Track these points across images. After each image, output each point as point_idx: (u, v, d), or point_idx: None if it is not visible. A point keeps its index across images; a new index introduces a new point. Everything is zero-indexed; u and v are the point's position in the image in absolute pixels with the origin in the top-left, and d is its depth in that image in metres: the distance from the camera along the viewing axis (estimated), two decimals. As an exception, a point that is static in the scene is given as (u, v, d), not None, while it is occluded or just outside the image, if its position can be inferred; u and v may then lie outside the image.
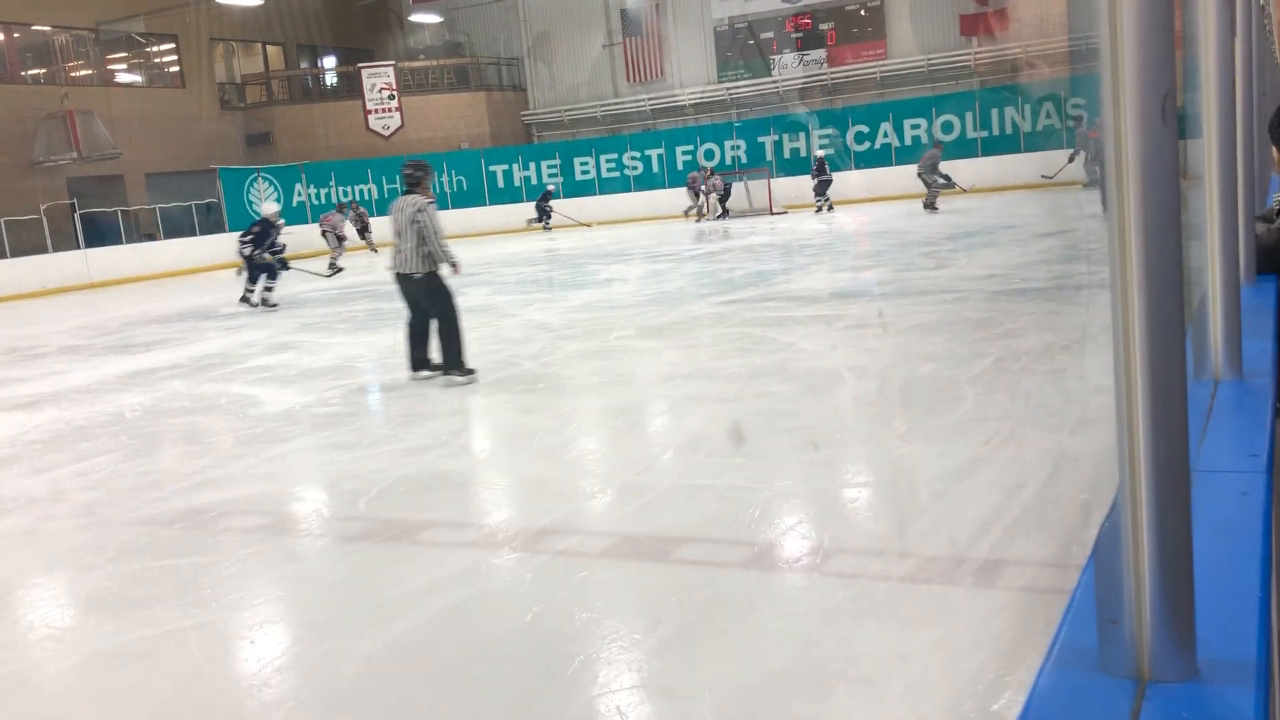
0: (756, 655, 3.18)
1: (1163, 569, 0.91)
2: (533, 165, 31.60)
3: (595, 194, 30.93)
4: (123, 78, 30.37)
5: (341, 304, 14.81)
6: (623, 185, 30.75)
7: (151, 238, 26.56)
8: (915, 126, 27.59)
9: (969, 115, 27.06)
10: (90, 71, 29.05)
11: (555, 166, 31.36)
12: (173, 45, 30.34)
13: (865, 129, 28.26)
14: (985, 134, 26.87)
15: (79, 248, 24.02)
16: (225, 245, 26.32)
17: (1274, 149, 3.24)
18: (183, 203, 27.24)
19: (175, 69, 30.66)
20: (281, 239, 14.92)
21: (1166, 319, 0.88)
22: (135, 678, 3.44)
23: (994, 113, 26.86)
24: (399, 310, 8.35)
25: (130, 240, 25.82)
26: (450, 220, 30.95)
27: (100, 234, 25.01)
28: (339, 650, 3.50)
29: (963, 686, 2.87)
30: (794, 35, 31.06)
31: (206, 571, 4.39)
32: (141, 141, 27.93)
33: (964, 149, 25.67)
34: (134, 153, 27.51)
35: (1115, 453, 0.94)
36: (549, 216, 29.06)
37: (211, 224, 27.49)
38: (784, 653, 3.19)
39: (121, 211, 26.03)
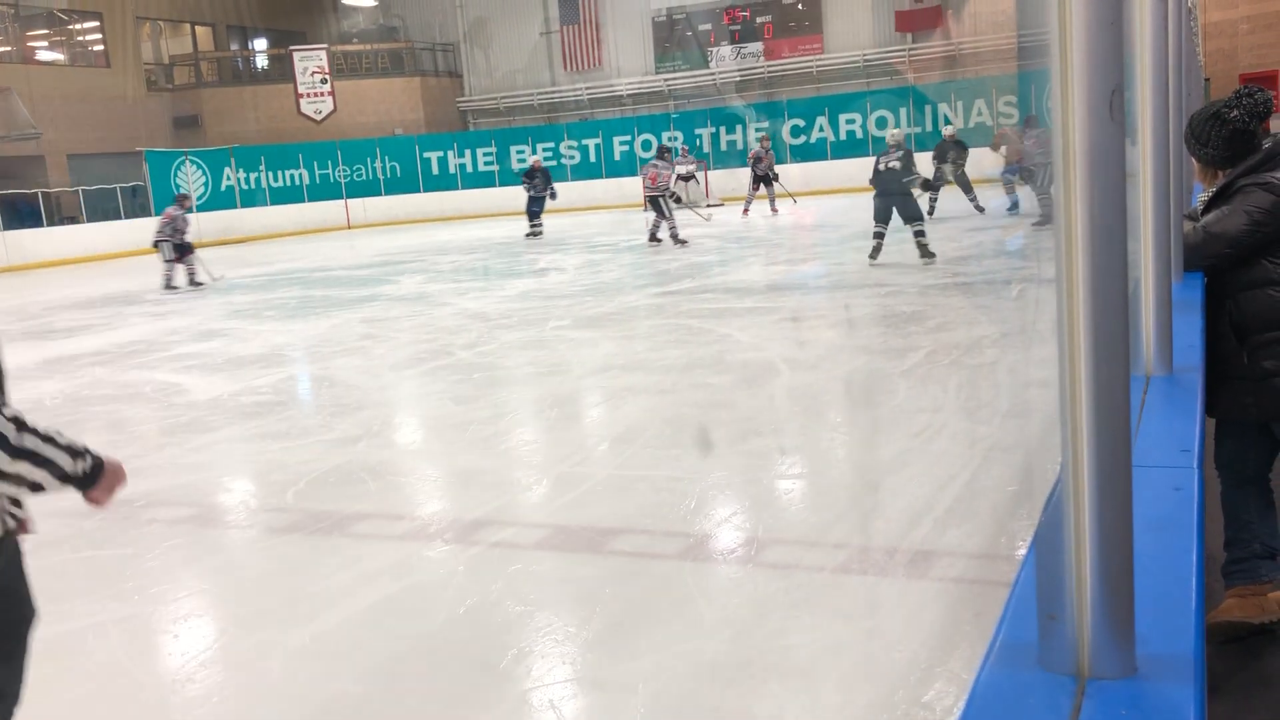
0: (691, 647, 3.17)
1: (1103, 564, 0.91)
2: (468, 153, 31.29)
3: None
4: (44, 55, 29.45)
5: (270, 290, 14.53)
6: (558, 175, 30.56)
7: (74, 220, 25.81)
8: (850, 121, 27.83)
9: (903, 111, 27.35)
10: (9, 48, 28.12)
11: (491, 154, 31.08)
12: (97, 23, 29.47)
13: (801, 123, 28.42)
14: (919, 130, 27.18)
15: (-4, 229, 23.29)
16: (150, 229, 25.75)
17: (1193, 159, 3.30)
18: (106, 185, 26.48)
19: (99, 48, 29.78)
20: None
21: (1111, 314, 0.88)
22: (54, 673, 3.32)
23: (927, 109, 27.19)
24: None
25: (51, 223, 25.06)
26: (384, 207, 30.60)
27: (19, 216, 24.23)
28: (266, 644, 3.42)
29: (895, 677, 2.89)
30: (731, 28, 31.14)
31: (129, 564, 4.27)
32: (64, 121, 27.10)
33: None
34: (55, 133, 26.68)
35: (1042, 445, 0.94)
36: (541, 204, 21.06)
37: (136, 207, 26.71)
38: (718, 644, 3.19)
39: (42, 193, 25.24)
